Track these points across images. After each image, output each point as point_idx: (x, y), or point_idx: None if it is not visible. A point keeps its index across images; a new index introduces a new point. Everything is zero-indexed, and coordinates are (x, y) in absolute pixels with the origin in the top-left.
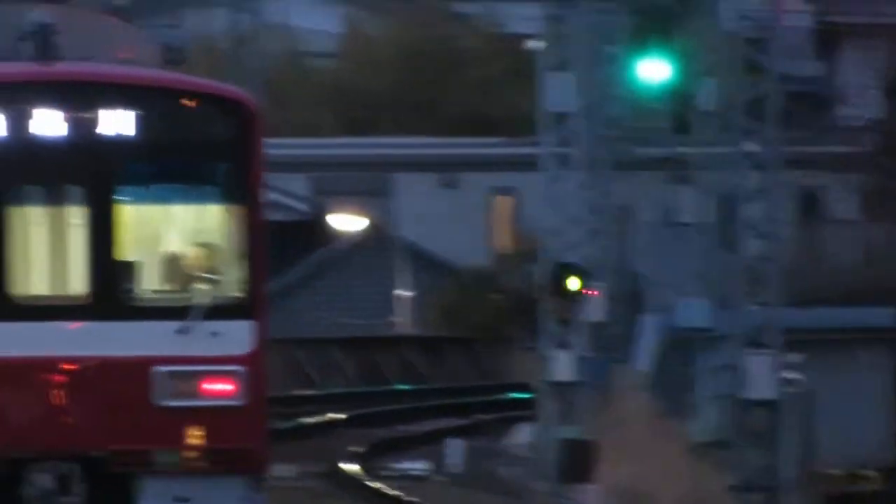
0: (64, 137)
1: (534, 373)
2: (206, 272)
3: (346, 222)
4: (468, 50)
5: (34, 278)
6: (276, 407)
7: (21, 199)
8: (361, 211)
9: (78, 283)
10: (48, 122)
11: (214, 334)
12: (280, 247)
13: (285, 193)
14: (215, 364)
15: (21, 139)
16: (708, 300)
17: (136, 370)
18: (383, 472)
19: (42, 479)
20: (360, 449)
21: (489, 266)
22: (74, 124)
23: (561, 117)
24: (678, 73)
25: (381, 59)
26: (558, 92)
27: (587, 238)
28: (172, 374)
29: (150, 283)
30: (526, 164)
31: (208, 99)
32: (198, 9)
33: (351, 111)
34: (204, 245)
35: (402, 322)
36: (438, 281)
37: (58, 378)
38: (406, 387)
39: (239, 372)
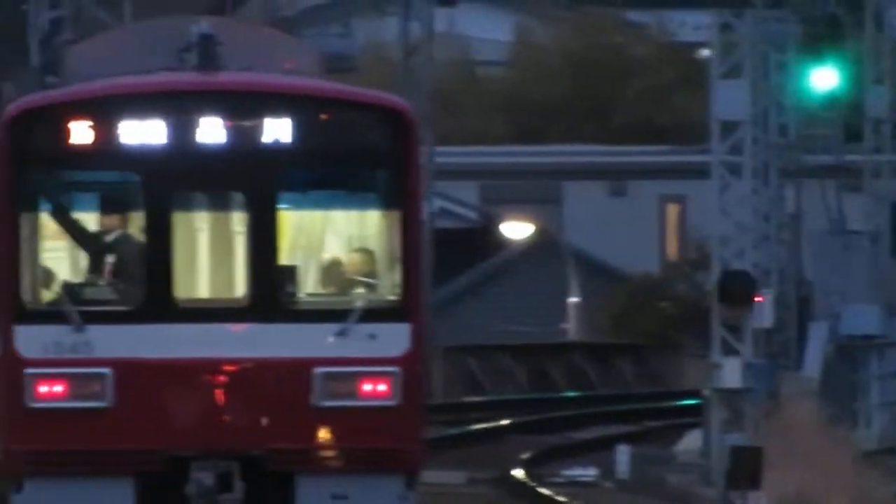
0: (226, 145)
1: (702, 380)
2: (364, 276)
3: (516, 230)
4: (638, 58)
5: (197, 282)
6: (446, 413)
7: (185, 206)
8: (531, 218)
9: (239, 286)
10: (211, 131)
11: (371, 336)
12: (449, 254)
13: (455, 201)
14: (372, 365)
15: (184, 147)
16: (878, 307)
17: (295, 371)
18: (551, 479)
19: (203, 477)
20: (529, 455)
21: (658, 273)
22: (236, 133)
23: (731, 125)
24: (847, 81)
25: (551, 67)
26: (729, 100)
27: (756, 245)
28: (331, 375)
29: (309, 286)
30: (695, 172)
31: (366, 108)
32: (369, 18)
33: (521, 119)
34: (362, 250)
35: (571, 329)
36: (607, 288)
37: (219, 378)
38: (575, 393)
39: (395, 373)
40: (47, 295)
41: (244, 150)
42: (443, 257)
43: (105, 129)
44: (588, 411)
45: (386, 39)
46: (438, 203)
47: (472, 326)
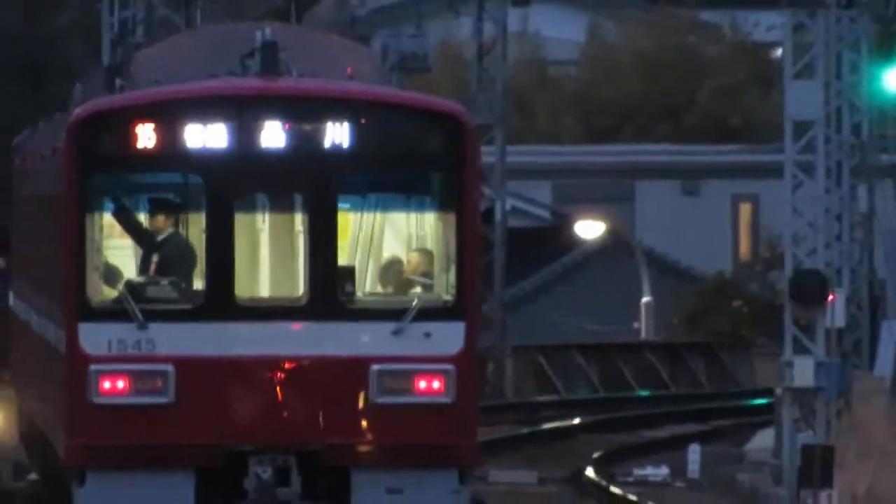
0: (286, 149)
1: (774, 379)
2: (420, 276)
3: (588, 229)
4: (711, 58)
5: (258, 281)
6: (517, 412)
7: (246, 207)
8: (603, 217)
9: (299, 286)
10: (272, 135)
11: (427, 335)
12: (522, 253)
13: (528, 200)
14: (427, 363)
15: (246, 151)
16: None
17: (352, 368)
18: (623, 478)
19: (261, 471)
20: (600, 454)
21: (730, 272)
22: (297, 136)
23: (804, 125)
24: None
25: (623, 66)
26: (802, 99)
27: (828, 244)
28: (387, 372)
29: (366, 286)
30: (768, 171)
31: (424, 113)
32: (442, 18)
33: (593, 119)
34: (418, 251)
35: (643, 328)
36: (680, 287)
37: (278, 375)
38: (646, 392)
39: (449, 371)
40: (111, 293)
41: (304, 154)
42: (515, 256)
43: (169, 132)
44: (660, 410)
45: (459, 39)
46: (511, 202)
47: (544, 325)
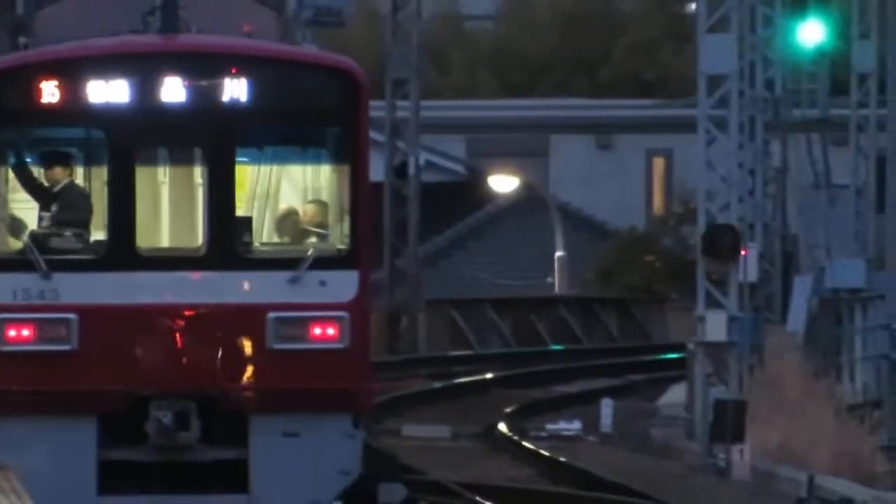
0: (186, 104)
1: (687, 333)
2: (315, 227)
3: (502, 183)
4: (626, 13)
5: (159, 232)
6: (430, 367)
7: (148, 160)
8: (517, 172)
9: (198, 236)
10: (172, 90)
11: (322, 283)
12: (436, 208)
13: (442, 155)
14: (322, 310)
15: (148, 105)
16: (862, 261)
17: (250, 316)
18: (536, 433)
19: (162, 416)
20: (513, 409)
21: (644, 227)
22: (197, 92)
23: (718, 79)
24: (834, 35)
25: (539, 21)
26: (715, 54)
27: (741, 199)
28: (283, 319)
29: (263, 236)
30: (681, 126)
31: (318, 69)
32: None
33: (508, 73)
34: (313, 202)
35: (557, 283)
36: (594, 242)
37: (178, 323)
38: (559, 347)
39: (343, 318)
40: (16, 244)
41: (203, 109)
42: (430, 211)
43: (72, 88)
44: (573, 365)
45: None
46: (425, 156)
47: (457, 280)
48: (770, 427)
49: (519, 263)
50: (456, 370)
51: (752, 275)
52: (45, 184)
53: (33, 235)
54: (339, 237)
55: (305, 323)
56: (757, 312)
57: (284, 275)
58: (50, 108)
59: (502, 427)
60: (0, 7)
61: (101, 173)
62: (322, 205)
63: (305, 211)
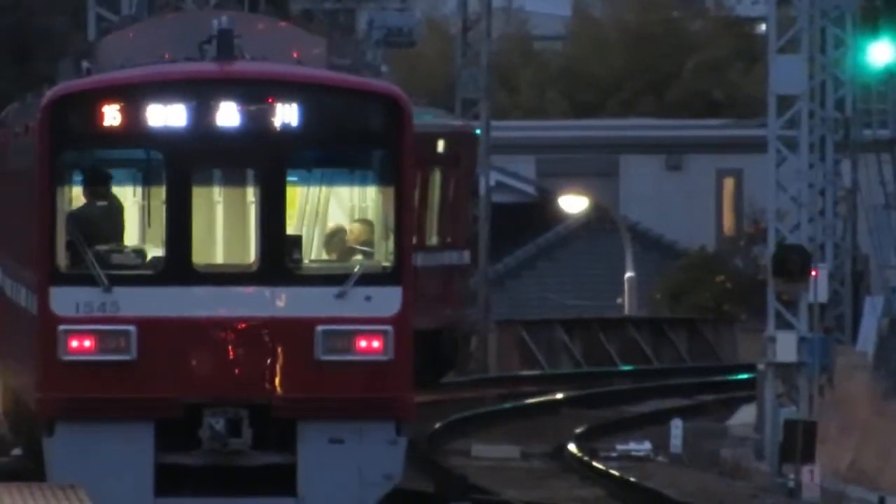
0: (241, 127)
1: (757, 354)
2: (361, 245)
3: (572, 204)
4: (695, 32)
5: (214, 249)
6: (500, 387)
7: (204, 180)
8: (587, 193)
9: (251, 253)
10: (227, 114)
11: (367, 298)
12: (506, 228)
13: (512, 175)
14: (367, 324)
15: (204, 129)
16: None
17: (300, 329)
18: (605, 453)
19: (215, 422)
20: (583, 429)
21: (714, 247)
22: (251, 115)
23: (788, 100)
24: None
25: (608, 41)
26: (786, 74)
27: (812, 219)
28: (331, 332)
29: (312, 253)
30: (751, 146)
31: (364, 95)
32: None
33: (578, 94)
34: (360, 221)
35: (627, 303)
36: (663, 262)
37: (232, 335)
38: (629, 367)
39: (387, 331)
40: (79, 260)
41: (256, 132)
42: (500, 231)
43: (133, 112)
44: (642, 385)
45: (444, 13)
46: (496, 177)
47: (527, 300)
48: (840, 447)
49: (589, 284)
50: (526, 390)
51: (823, 295)
52: (122, 203)
53: (95, 251)
54: (383, 255)
55: (351, 336)
56: (827, 333)
57: (332, 290)
58: (111, 132)
59: (572, 447)
60: (68, 33)
61: (160, 193)
62: (368, 224)
63: (352, 230)
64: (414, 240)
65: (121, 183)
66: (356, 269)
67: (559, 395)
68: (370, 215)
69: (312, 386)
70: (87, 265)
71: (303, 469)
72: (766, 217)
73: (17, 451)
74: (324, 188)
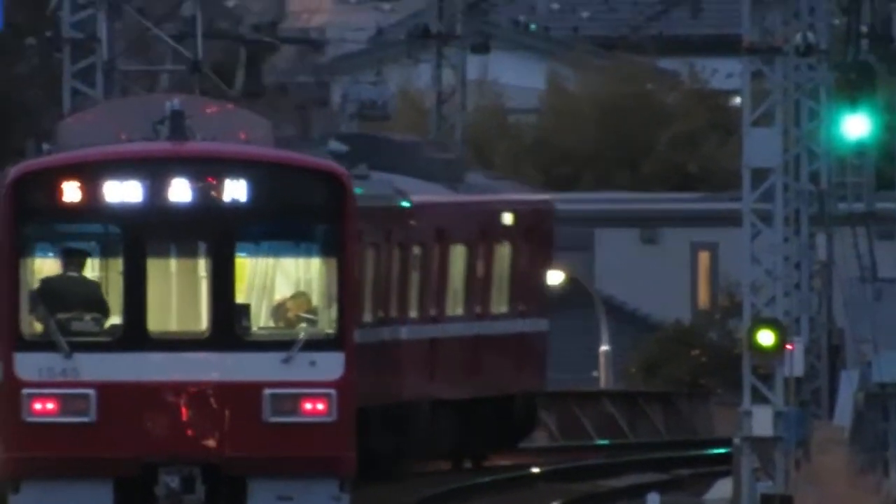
0: (193, 203)
1: (733, 428)
2: (306, 313)
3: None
4: (670, 105)
5: (168, 317)
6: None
7: (159, 253)
8: (562, 266)
9: (203, 320)
10: (180, 190)
11: (312, 363)
12: None
13: None
14: (312, 388)
15: (159, 204)
16: None
17: (249, 392)
18: None
19: (170, 480)
20: None
21: (689, 320)
22: (201, 192)
23: (762, 172)
24: (879, 128)
25: (582, 114)
26: (760, 147)
27: (787, 293)
28: (279, 395)
29: (261, 321)
30: (726, 219)
31: (308, 172)
32: (403, 64)
33: (552, 167)
34: (305, 291)
35: (602, 377)
36: (639, 335)
37: (185, 398)
38: (605, 441)
39: (331, 394)
40: (41, 328)
41: (207, 207)
42: None
43: (91, 188)
44: (619, 460)
45: (419, 86)
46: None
47: None
48: None
49: (563, 357)
50: (500, 464)
51: (799, 369)
52: (81, 274)
53: (57, 320)
54: (327, 322)
55: (297, 398)
56: (803, 407)
57: (279, 355)
58: (71, 207)
59: None
60: (46, 106)
61: (117, 265)
62: (312, 293)
63: (297, 299)
64: (472, 307)
65: (81, 255)
66: (301, 336)
67: (535, 469)
68: (314, 285)
69: (261, 445)
70: (49, 333)
71: None
72: (741, 290)
73: None
74: (271, 260)
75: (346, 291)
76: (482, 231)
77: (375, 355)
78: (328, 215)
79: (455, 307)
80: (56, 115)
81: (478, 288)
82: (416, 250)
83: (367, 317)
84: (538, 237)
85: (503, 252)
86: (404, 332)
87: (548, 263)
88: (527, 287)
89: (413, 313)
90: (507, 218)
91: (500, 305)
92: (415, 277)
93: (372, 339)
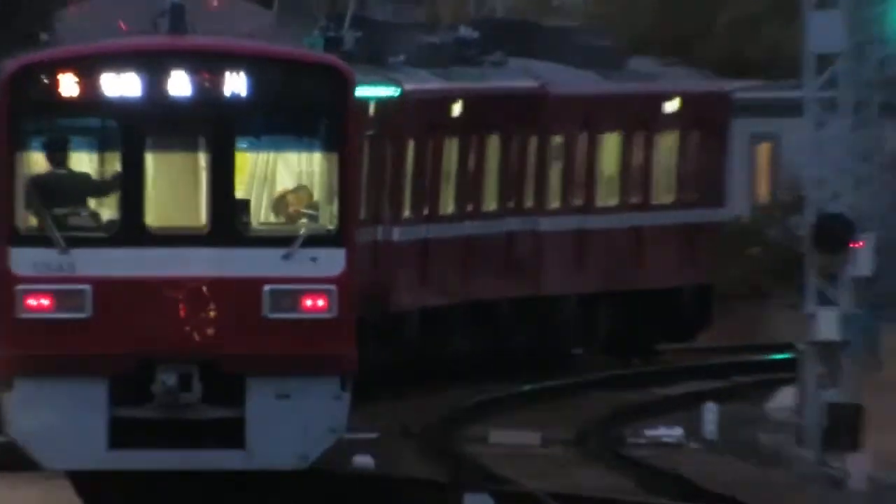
0: (192, 97)
1: (796, 332)
2: (307, 209)
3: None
4: None
5: (167, 212)
6: (521, 367)
7: (157, 147)
8: None
9: (202, 216)
10: (180, 84)
11: (313, 259)
12: None
13: None
14: (313, 284)
15: (158, 98)
16: None
17: (248, 288)
18: (634, 439)
19: (167, 378)
20: (610, 413)
21: (747, 217)
22: (201, 86)
23: (827, 58)
24: None
25: None
26: (824, 32)
27: (853, 187)
28: (278, 291)
29: (261, 216)
30: (788, 109)
31: (309, 66)
32: None
33: None
34: (306, 186)
35: None
36: None
37: (184, 294)
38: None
39: (332, 291)
40: (37, 222)
41: (207, 101)
42: None
43: (89, 82)
44: (673, 366)
45: None
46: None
47: None
48: (888, 435)
49: None
50: (548, 371)
51: (867, 269)
52: (79, 169)
53: (53, 214)
54: (328, 218)
55: (298, 295)
56: (872, 309)
57: (279, 251)
58: (69, 100)
59: (597, 433)
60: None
61: (115, 159)
62: (313, 188)
63: (298, 194)
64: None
65: (78, 149)
66: (302, 232)
67: (583, 378)
68: (315, 180)
69: (260, 343)
70: (45, 227)
71: (250, 423)
72: (803, 185)
73: (1, 438)
74: (271, 154)
75: (348, 187)
76: (639, 119)
77: (513, 249)
78: (329, 109)
79: (607, 198)
80: (60, 3)
81: (634, 178)
82: (558, 139)
83: (492, 205)
84: (709, 126)
85: (665, 141)
86: (545, 224)
87: (723, 153)
88: (696, 177)
89: (555, 204)
90: (672, 106)
91: (663, 196)
92: (555, 168)
93: (499, 231)
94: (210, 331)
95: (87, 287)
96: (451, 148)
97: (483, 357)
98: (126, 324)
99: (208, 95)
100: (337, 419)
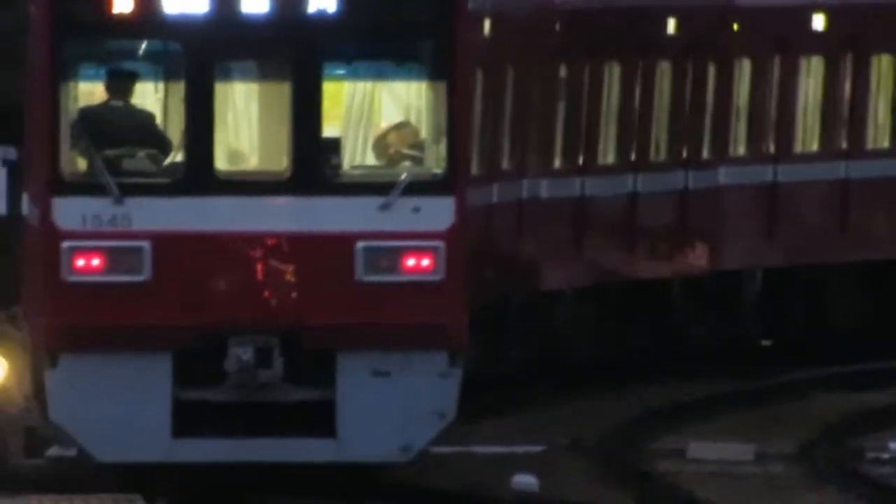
0: (270, 14)
1: None
2: (409, 148)
3: None
4: None
5: (240, 153)
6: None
7: (229, 75)
8: None
9: (283, 158)
10: (256, 0)
11: (415, 210)
12: None
13: None
14: (415, 240)
15: (230, 16)
16: None
17: (338, 245)
18: (874, 454)
19: (241, 352)
20: (841, 420)
21: None
22: (282, 2)
23: None
24: None
25: None
26: None
27: None
28: (374, 249)
29: (353, 159)
30: None
31: None
32: None
33: None
34: (408, 122)
35: None
36: None
37: (260, 253)
38: None
39: (438, 248)
40: (85, 166)
41: (288, 19)
42: None
43: None
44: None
45: None
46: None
47: None
48: None
49: None
50: (766, 366)
51: None
52: (134, 102)
53: (105, 156)
54: (434, 160)
55: (397, 253)
56: None
57: (375, 201)
58: (122, 19)
59: (826, 445)
60: None
61: (179, 90)
62: (417, 125)
63: (401, 132)
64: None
65: (133, 78)
66: (403, 177)
67: (812, 373)
68: (420, 115)
69: (352, 311)
70: (95, 172)
71: (342, 406)
72: None
73: (52, 452)
74: (366, 84)
75: (459, 122)
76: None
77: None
78: (437, 29)
79: (808, 142)
80: None
81: (842, 116)
82: (746, 64)
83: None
84: (865, 49)
85: (885, 66)
86: (723, 176)
87: None
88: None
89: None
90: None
91: (878, 140)
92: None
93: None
94: (293, 297)
95: (145, 244)
96: (613, 75)
97: (654, 350)
98: (192, 288)
99: (290, 12)
100: (445, 401)
